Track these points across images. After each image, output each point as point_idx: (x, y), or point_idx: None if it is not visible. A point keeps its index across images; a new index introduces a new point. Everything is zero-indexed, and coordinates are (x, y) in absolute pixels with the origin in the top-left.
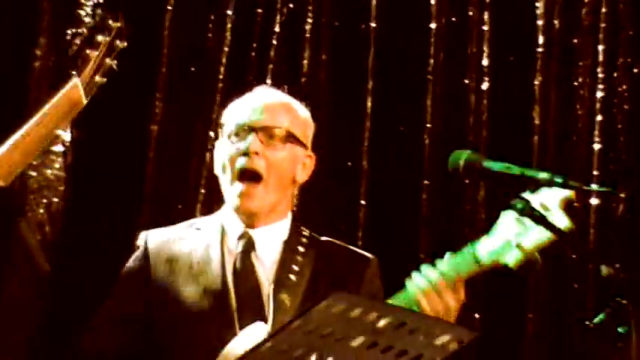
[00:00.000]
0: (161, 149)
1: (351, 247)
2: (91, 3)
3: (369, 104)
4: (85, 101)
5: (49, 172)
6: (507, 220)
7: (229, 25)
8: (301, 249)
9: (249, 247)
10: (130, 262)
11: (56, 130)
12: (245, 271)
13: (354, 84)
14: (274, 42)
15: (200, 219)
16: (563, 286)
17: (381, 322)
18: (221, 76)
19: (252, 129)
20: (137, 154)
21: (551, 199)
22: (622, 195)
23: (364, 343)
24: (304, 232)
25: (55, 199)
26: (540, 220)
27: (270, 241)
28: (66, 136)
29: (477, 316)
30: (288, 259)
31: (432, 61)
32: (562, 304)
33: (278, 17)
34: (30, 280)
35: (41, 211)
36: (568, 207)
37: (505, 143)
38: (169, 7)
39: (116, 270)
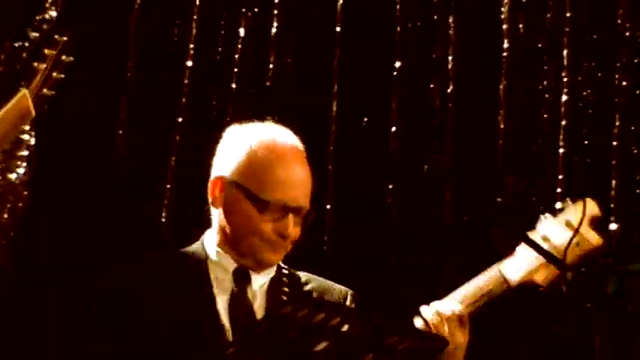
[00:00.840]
0: (127, 154)
1: (329, 282)
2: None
3: (334, 108)
4: (33, 113)
5: (13, 176)
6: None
7: (195, 31)
8: (286, 280)
9: (246, 280)
10: (97, 301)
11: (4, 142)
12: (242, 301)
13: (319, 88)
14: (239, 46)
15: (170, 251)
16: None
17: (345, 327)
18: (186, 81)
19: (288, 209)
20: (102, 159)
21: (577, 218)
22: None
23: (328, 348)
24: (284, 269)
25: (20, 204)
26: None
27: (263, 277)
28: (31, 140)
29: None
30: (277, 292)
31: (397, 64)
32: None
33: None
34: None
35: (5, 215)
36: (596, 223)
37: (470, 147)
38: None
39: (80, 275)
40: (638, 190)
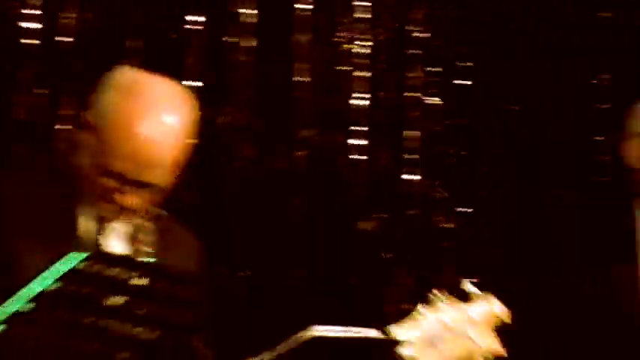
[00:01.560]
0: None
1: (186, 231)
2: None
3: (136, 64)
4: None
5: None
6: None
7: None
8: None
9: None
10: None
11: None
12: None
13: (120, 44)
14: None
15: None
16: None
17: (136, 282)
18: None
19: (125, 180)
20: None
21: (480, 316)
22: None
23: (119, 303)
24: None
25: None
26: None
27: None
28: None
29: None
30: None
31: (191, 18)
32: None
33: None
34: None
35: None
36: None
37: (268, 100)
38: None
39: None
40: (442, 138)
